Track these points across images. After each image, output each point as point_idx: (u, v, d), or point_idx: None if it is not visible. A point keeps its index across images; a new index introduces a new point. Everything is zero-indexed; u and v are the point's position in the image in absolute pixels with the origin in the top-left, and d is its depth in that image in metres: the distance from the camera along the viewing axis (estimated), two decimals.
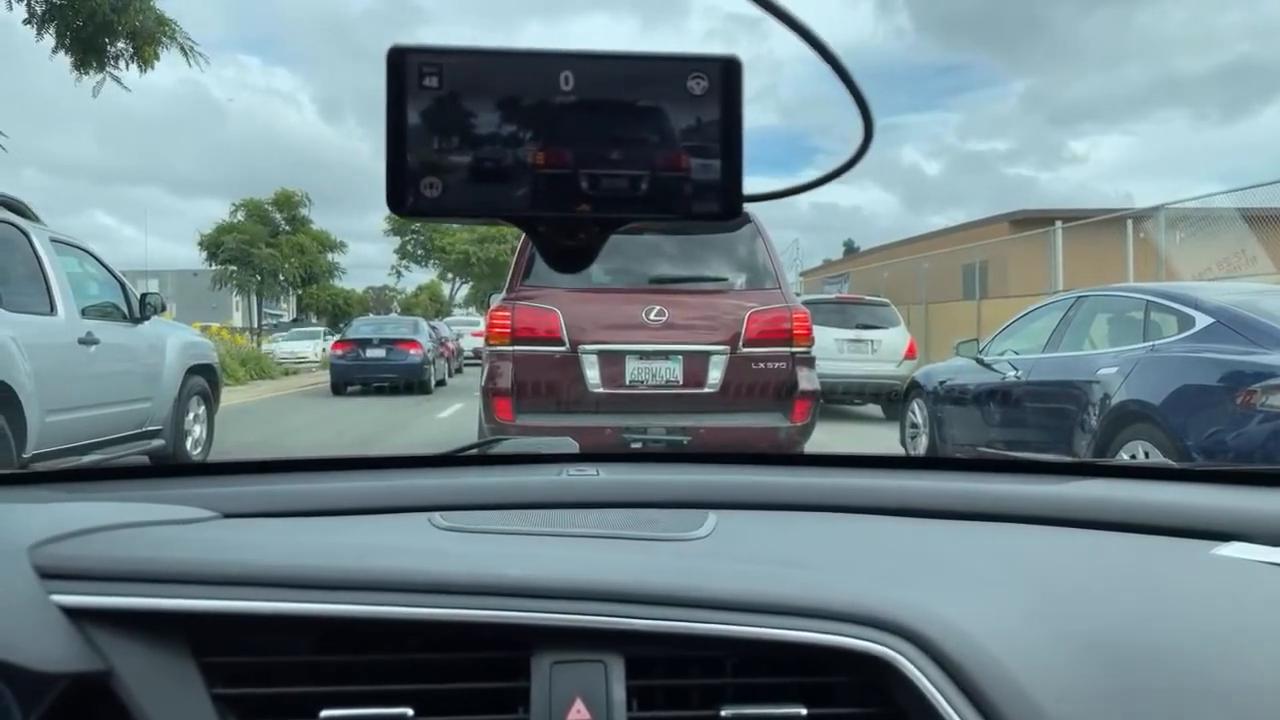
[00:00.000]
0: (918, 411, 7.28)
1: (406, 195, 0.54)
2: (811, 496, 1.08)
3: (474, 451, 1.33)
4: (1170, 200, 11.85)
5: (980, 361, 6.41)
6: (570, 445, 1.34)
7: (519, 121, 0.55)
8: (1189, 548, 0.94)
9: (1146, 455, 4.52)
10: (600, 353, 5.06)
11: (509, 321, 5.09)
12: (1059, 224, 13.98)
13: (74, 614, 0.71)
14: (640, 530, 0.91)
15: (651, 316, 5.09)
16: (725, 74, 0.56)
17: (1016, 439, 5.82)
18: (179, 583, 0.73)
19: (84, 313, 5.78)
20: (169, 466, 1.35)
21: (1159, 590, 0.84)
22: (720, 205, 0.56)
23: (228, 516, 0.96)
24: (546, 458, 1.27)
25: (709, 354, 5.09)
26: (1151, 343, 4.90)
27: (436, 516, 0.95)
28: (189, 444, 6.88)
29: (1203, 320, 4.64)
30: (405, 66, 0.54)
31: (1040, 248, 14.73)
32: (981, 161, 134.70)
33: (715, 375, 5.10)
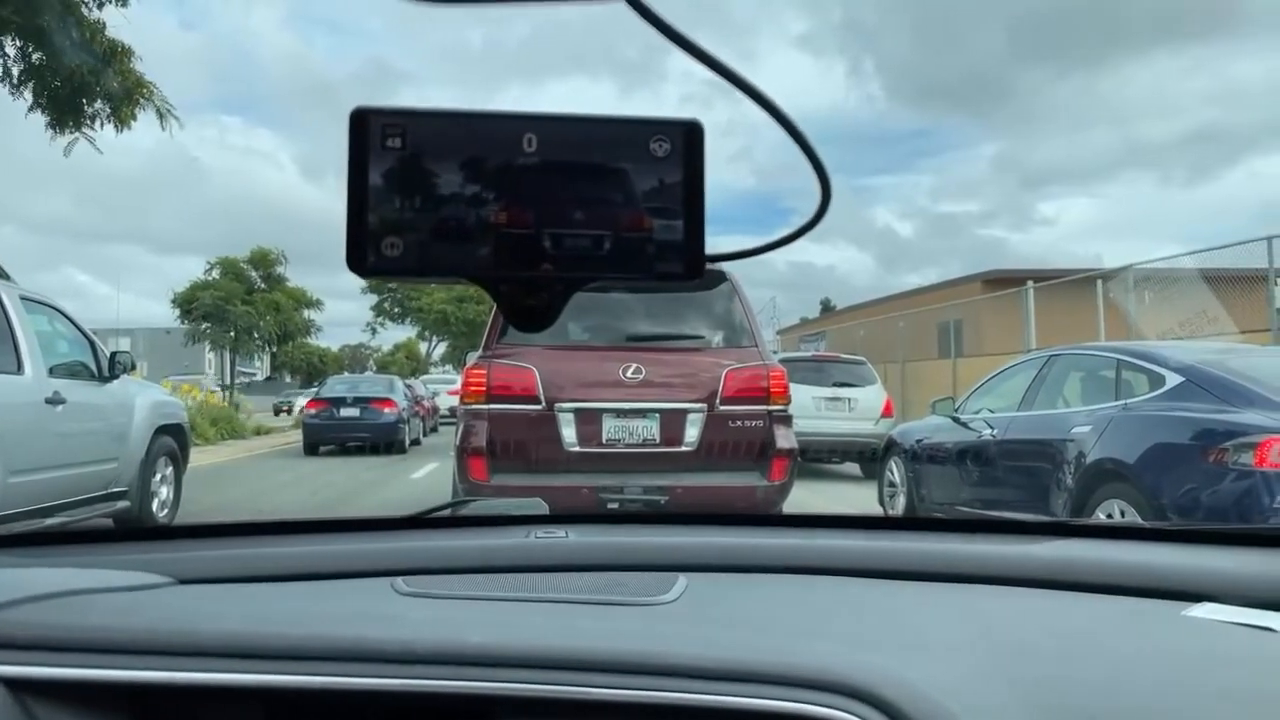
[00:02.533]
0: (895, 470, 7.28)
1: (367, 255, 0.54)
2: (782, 558, 1.06)
3: (440, 514, 1.30)
4: (1137, 261, 12.13)
5: (956, 420, 6.44)
6: (540, 506, 1.32)
7: (482, 182, 0.54)
8: (1160, 609, 0.93)
9: (1122, 514, 4.53)
10: (577, 411, 5.03)
11: (484, 380, 5.06)
12: (1030, 284, 14.23)
13: (14, 685, 0.68)
14: (608, 594, 0.89)
15: (628, 374, 5.08)
16: (687, 137, 0.56)
17: (993, 498, 5.82)
18: (125, 653, 0.70)
19: (52, 371, 5.70)
20: (128, 530, 1.31)
21: (1130, 652, 0.83)
22: (682, 265, 0.56)
23: (184, 583, 0.93)
24: (515, 519, 1.24)
25: (686, 412, 5.08)
26: (1123, 401, 4.95)
27: (399, 581, 0.92)
28: (155, 505, 6.73)
29: (1173, 379, 4.70)
30: (368, 127, 0.54)
31: (1013, 307, 14.95)
32: (954, 222, 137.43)
33: (692, 433, 5.08)
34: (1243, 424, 4.10)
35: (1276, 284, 9.63)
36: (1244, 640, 0.84)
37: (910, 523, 1.38)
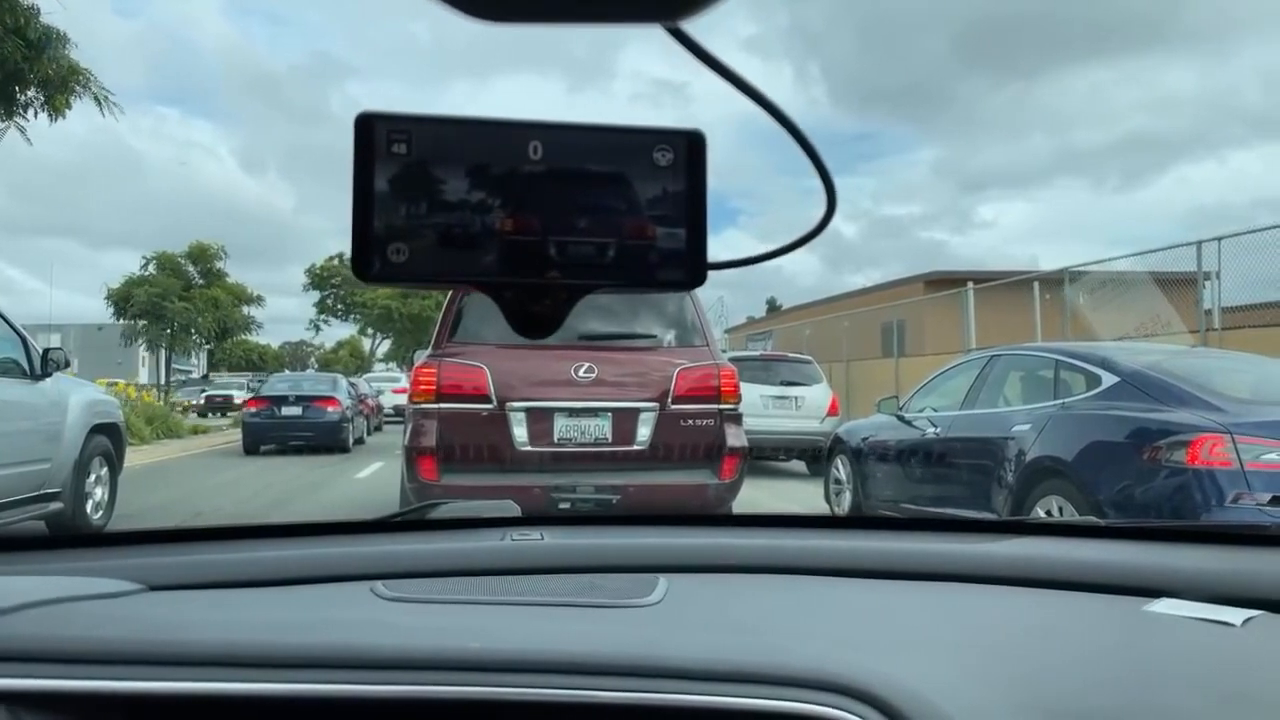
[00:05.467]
0: (841, 468, 7.38)
1: (373, 261, 0.54)
2: (757, 558, 1.07)
3: (413, 516, 1.29)
4: (1073, 264, 12.51)
5: (901, 418, 6.56)
6: (512, 509, 1.31)
7: (487, 189, 0.55)
8: (1122, 604, 0.96)
9: (1061, 510, 4.66)
10: (528, 410, 5.01)
11: (434, 378, 5.01)
12: (971, 285, 14.55)
13: (4, 697, 0.66)
14: (593, 597, 0.90)
15: (580, 373, 5.07)
16: (690, 147, 0.57)
17: (937, 495, 5.94)
18: (114, 663, 0.69)
19: None
20: (84, 536, 1.27)
21: (1097, 647, 0.85)
22: (685, 274, 0.57)
23: (153, 589, 0.91)
24: (488, 522, 1.24)
25: (638, 411, 5.09)
26: (1062, 400, 5.09)
27: (379, 585, 0.91)
28: (89, 507, 6.53)
29: (1109, 379, 4.85)
30: (373, 133, 0.54)
31: (954, 307, 15.27)
32: (897, 224, 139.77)
33: (644, 432, 5.09)
34: (1176, 423, 4.25)
35: (1205, 286, 10.00)
36: (1204, 635, 0.88)
37: (881, 522, 1.41)
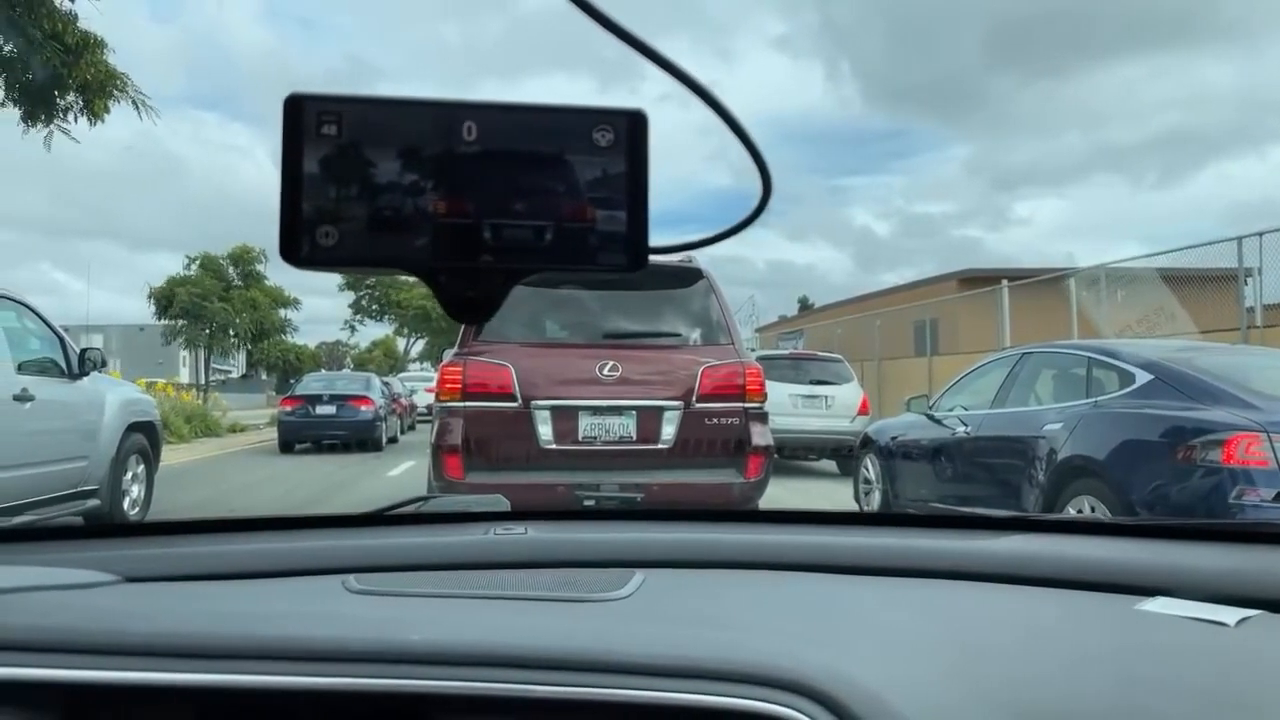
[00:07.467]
0: (871, 467, 7.31)
1: (302, 244, 0.53)
2: (740, 554, 1.06)
3: (399, 511, 1.28)
4: (1109, 260, 12.30)
5: (931, 417, 6.48)
6: (500, 503, 1.30)
7: (420, 171, 0.54)
8: (1114, 603, 0.93)
9: (1093, 510, 4.56)
10: (553, 408, 5.01)
11: (460, 377, 5.04)
12: (1005, 283, 14.34)
13: None
14: (562, 591, 0.88)
15: (605, 372, 5.07)
16: (631, 127, 0.55)
17: (967, 494, 5.86)
18: (55, 651, 0.69)
19: (20, 368, 5.63)
20: (86, 528, 1.29)
21: (1082, 646, 0.83)
22: (625, 257, 0.56)
23: (130, 581, 0.92)
24: (474, 516, 1.23)
25: (663, 409, 5.07)
26: (1094, 399, 4.99)
27: (351, 579, 0.91)
28: (127, 504, 6.65)
29: (1142, 377, 4.74)
30: (303, 114, 0.53)
31: (988, 305, 15.06)
32: (930, 222, 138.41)
33: (669, 431, 5.07)
34: (1210, 421, 4.15)
35: (1246, 283, 9.76)
36: (1196, 634, 0.85)
37: (871, 518, 1.38)
